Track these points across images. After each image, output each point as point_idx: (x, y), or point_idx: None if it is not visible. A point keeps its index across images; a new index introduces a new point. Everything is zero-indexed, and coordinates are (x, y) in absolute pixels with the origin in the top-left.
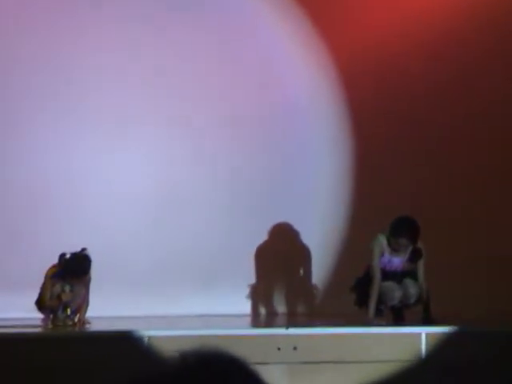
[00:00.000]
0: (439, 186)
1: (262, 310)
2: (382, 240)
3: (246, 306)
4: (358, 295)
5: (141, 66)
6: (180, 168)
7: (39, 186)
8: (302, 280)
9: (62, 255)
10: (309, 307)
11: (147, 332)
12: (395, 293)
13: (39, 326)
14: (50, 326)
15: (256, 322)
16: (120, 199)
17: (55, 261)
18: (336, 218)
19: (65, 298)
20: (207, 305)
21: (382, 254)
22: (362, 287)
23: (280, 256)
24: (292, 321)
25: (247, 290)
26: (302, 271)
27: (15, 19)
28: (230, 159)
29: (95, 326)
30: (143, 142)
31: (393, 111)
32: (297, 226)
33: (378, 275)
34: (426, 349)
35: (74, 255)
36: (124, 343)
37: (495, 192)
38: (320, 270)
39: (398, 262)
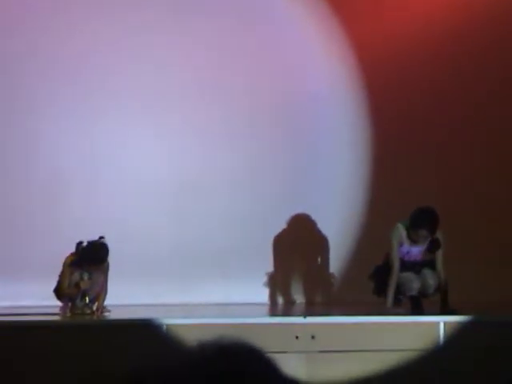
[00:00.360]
0: (459, 174)
1: (280, 299)
2: (401, 230)
3: (263, 295)
4: (377, 284)
5: (157, 53)
6: (198, 155)
7: (56, 175)
8: (319, 268)
9: (80, 243)
10: (327, 296)
11: (165, 320)
12: (413, 283)
13: (57, 314)
14: (69, 314)
15: (274, 310)
16: (139, 187)
17: (73, 249)
18: (354, 206)
19: (83, 285)
20: (225, 293)
21: (401, 244)
22: (380, 276)
23: (298, 244)
24: (310, 310)
25: (265, 279)
26: (319, 260)
27: (21, 13)
28: (248, 147)
29: (113, 315)
30: (160, 130)
31: (414, 99)
32: (315, 215)
33: (396, 265)
34: (444, 338)
35: (92, 243)
36: (142, 331)
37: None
38: (338, 258)
39: (416, 252)
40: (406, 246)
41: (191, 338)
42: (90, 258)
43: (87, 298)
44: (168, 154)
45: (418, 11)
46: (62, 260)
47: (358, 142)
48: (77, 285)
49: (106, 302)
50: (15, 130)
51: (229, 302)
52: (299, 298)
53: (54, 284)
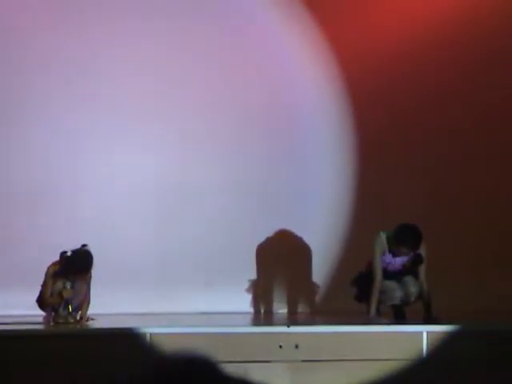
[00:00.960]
0: (441, 186)
1: (264, 308)
2: (383, 239)
3: (247, 304)
4: (359, 290)
5: (146, 63)
6: (183, 165)
7: (40, 182)
8: (303, 278)
9: (63, 252)
10: (310, 305)
11: (149, 329)
12: (396, 292)
13: (40, 324)
14: (52, 323)
15: (257, 320)
16: (122, 196)
17: (56, 257)
18: (338, 216)
19: (66, 294)
20: (209, 302)
21: (383, 253)
22: (362, 283)
23: (282, 254)
24: (293, 319)
25: (249, 288)
26: (303, 269)
27: (24, 12)
28: (234, 157)
29: (97, 323)
30: (145, 137)
31: (396, 111)
32: (299, 225)
33: (379, 274)
34: (428, 348)
35: (76, 252)
36: (126, 340)
37: (493, 190)
38: (321, 268)
39: (399, 262)
40: (388, 256)
41: (175, 347)
42: (75, 267)
43: (70, 307)
44: (154, 162)
45: (403, 18)
46: (45, 269)
47: (342, 153)
48: (60, 294)
49: (89, 311)
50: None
51: (212, 311)
52: (282, 307)
53: (36, 293)
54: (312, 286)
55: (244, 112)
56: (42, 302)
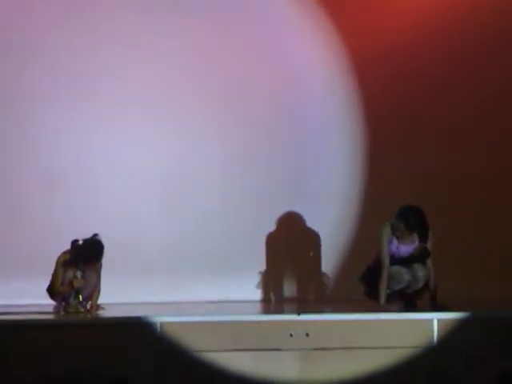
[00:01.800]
0: (448, 174)
1: (273, 297)
2: (389, 227)
3: (257, 293)
4: (368, 285)
5: (153, 52)
6: (193, 156)
7: (52, 172)
8: (312, 266)
9: (74, 241)
10: (320, 293)
11: (159, 318)
12: (404, 276)
13: (51, 313)
14: (62, 312)
15: (268, 308)
16: (133, 186)
17: (67, 246)
18: (347, 205)
19: (77, 284)
20: (219, 291)
21: (390, 241)
22: (371, 277)
23: (291, 243)
24: (303, 307)
25: (259, 277)
26: (312, 258)
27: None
28: (241, 146)
29: (107, 313)
30: (152, 130)
31: (406, 99)
32: (308, 213)
33: (386, 262)
34: (438, 335)
35: (86, 241)
36: (136, 329)
37: (498, 183)
38: (331, 256)
39: (405, 250)
40: (395, 244)
41: (185, 336)
42: (86, 256)
43: (81, 297)
44: (161, 152)
45: (409, 11)
46: (54, 256)
47: (351, 143)
48: (70, 283)
49: (99, 300)
50: (11, 128)
51: (223, 300)
52: (292, 295)
53: (47, 282)
54: (321, 275)
55: (249, 99)
56: (52, 290)
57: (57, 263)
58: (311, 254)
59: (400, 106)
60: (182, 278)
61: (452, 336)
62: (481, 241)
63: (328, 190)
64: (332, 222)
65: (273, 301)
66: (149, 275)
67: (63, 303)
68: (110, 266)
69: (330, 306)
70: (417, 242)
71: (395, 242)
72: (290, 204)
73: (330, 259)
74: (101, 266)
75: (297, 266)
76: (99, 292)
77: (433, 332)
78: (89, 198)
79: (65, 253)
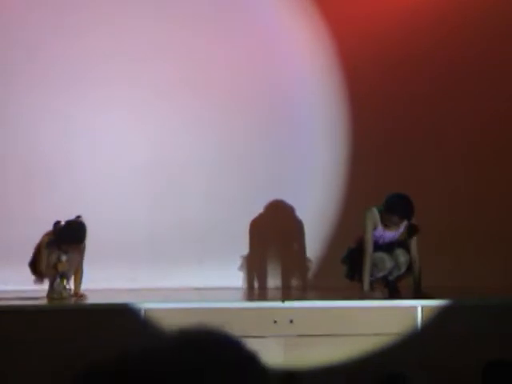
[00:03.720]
0: (431, 165)
1: (257, 284)
2: (375, 213)
3: (241, 280)
4: (350, 267)
5: (148, 45)
6: (177, 142)
7: (36, 158)
8: (296, 253)
9: (57, 223)
10: (303, 281)
11: (143, 305)
12: (386, 263)
13: (35, 299)
14: (47, 299)
15: (252, 295)
16: (115, 172)
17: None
18: (331, 192)
19: (61, 268)
20: (203, 278)
21: (375, 227)
22: (353, 259)
23: (274, 229)
24: (287, 294)
25: (242, 264)
26: (296, 245)
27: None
28: (225, 132)
29: (92, 299)
30: (139, 114)
31: (393, 90)
32: (291, 200)
33: (370, 249)
34: (422, 322)
35: (70, 223)
36: (120, 316)
37: (485, 169)
38: (314, 243)
39: (390, 235)
40: (380, 230)
41: (169, 323)
42: (69, 238)
43: (65, 281)
44: (145, 137)
45: (401, 10)
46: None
47: (336, 129)
48: (54, 266)
49: (83, 287)
50: None
51: (207, 287)
52: (276, 282)
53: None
54: (306, 261)
55: (239, 86)
56: (35, 269)
57: (40, 244)
58: (295, 241)
59: (386, 98)
60: (165, 264)
61: (436, 323)
62: (467, 230)
63: (312, 177)
64: (316, 209)
65: (257, 288)
66: (132, 262)
67: (48, 289)
68: (94, 253)
69: (315, 293)
70: (402, 228)
71: (380, 228)
72: (274, 191)
73: (314, 246)
74: (84, 247)
75: (281, 253)
76: (82, 274)
77: (417, 319)
78: (72, 185)
79: (48, 234)
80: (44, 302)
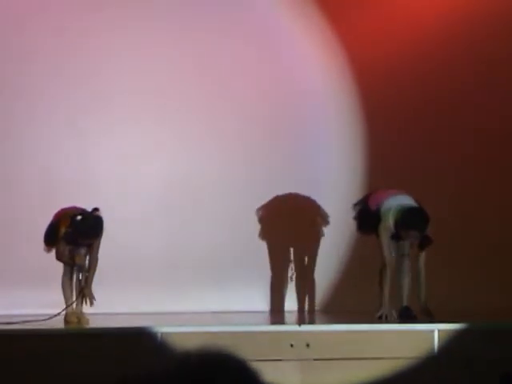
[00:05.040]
0: (448, 180)
1: (275, 307)
2: (391, 222)
3: (258, 303)
4: (360, 223)
5: (155, 61)
6: (192, 164)
7: (50, 179)
8: (312, 276)
9: (74, 216)
10: (320, 304)
11: (160, 328)
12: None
13: (47, 319)
14: (64, 322)
15: (268, 318)
16: (131, 195)
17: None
18: (347, 211)
19: (78, 260)
20: (220, 301)
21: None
22: (364, 215)
23: (292, 252)
24: (304, 318)
25: (260, 287)
26: (312, 267)
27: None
28: (239, 148)
29: (108, 323)
30: (157, 132)
31: (405, 97)
32: (310, 224)
33: (391, 263)
34: (439, 345)
35: (86, 217)
36: (137, 339)
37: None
38: (330, 265)
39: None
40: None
41: (186, 347)
42: (86, 232)
43: (84, 302)
44: (165, 160)
45: (408, 12)
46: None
47: (350, 146)
48: (72, 258)
49: (98, 310)
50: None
51: (224, 310)
52: (293, 305)
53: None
54: (322, 285)
55: (249, 101)
56: (57, 255)
57: (57, 235)
58: (311, 263)
59: (399, 105)
60: (182, 287)
61: (453, 347)
62: (477, 247)
63: (328, 198)
64: (333, 232)
65: (274, 311)
66: (149, 285)
67: (66, 311)
68: (110, 276)
69: (331, 316)
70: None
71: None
72: (293, 215)
73: (330, 269)
74: (99, 242)
75: (297, 276)
76: (95, 268)
77: (433, 343)
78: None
79: (64, 224)
80: (61, 324)
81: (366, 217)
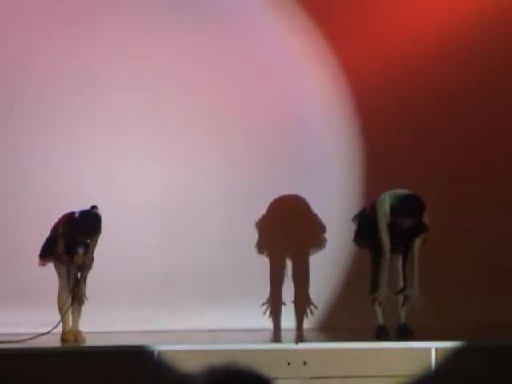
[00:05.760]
0: (445, 191)
1: (271, 325)
2: (387, 207)
3: (255, 321)
4: (358, 227)
5: (154, 75)
6: (188, 180)
7: (49, 195)
8: (310, 294)
9: (72, 214)
10: (317, 322)
11: (157, 346)
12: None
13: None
14: (60, 340)
15: (265, 336)
16: (128, 212)
17: None
18: (345, 234)
19: (78, 260)
20: (217, 319)
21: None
22: (364, 220)
23: (290, 271)
24: (301, 336)
25: (257, 305)
26: (309, 285)
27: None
28: (244, 172)
29: (106, 341)
30: (156, 154)
31: (401, 118)
32: (308, 243)
33: (387, 248)
34: (436, 363)
35: (84, 214)
36: (134, 358)
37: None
38: (328, 283)
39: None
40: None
41: (183, 365)
42: (84, 229)
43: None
44: (160, 176)
45: (405, 30)
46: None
47: (350, 172)
48: (71, 258)
49: (95, 329)
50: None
51: (220, 328)
52: (290, 323)
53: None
54: (320, 303)
55: (250, 125)
56: (54, 255)
57: (55, 231)
58: (309, 281)
59: (399, 119)
60: (180, 305)
61: (450, 364)
62: (476, 263)
63: (328, 218)
64: (331, 251)
65: (271, 329)
66: (145, 303)
67: (62, 328)
68: (107, 294)
69: (328, 334)
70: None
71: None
72: (289, 234)
73: (327, 287)
74: (99, 236)
75: (295, 295)
76: (91, 267)
77: (431, 360)
78: None
79: (61, 223)
80: (57, 343)
81: (364, 223)
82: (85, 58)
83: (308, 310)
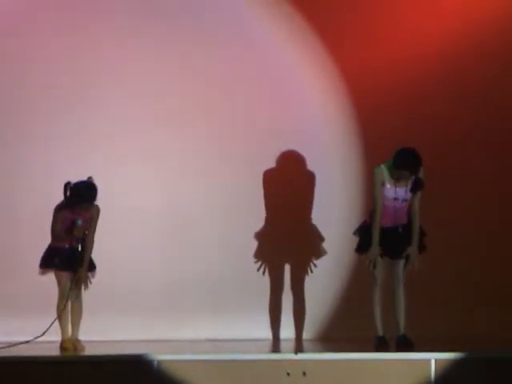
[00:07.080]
0: (445, 206)
1: (271, 335)
2: (384, 169)
3: (255, 331)
4: (361, 240)
5: (155, 82)
6: (190, 192)
7: (44, 207)
8: (309, 305)
9: (67, 184)
10: (317, 332)
11: (157, 356)
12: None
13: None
14: (60, 349)
15: (265, 346)
16: (129, 223)
17: None
18: (347, 239)
19: (77, 233)
20: (217, 329)
21: (384, 185)
22: (366, 233)
23: (290, 282)
24: (301, 346)
25: (256, 315)
26: (309, 295)
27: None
28: (244, 181)
29: (104, 350)
30: (156, 165)
31: (400, 123)
32: (309, 254)
33: (379, 205)
34: (436, 374)
35: (79, 183)
36: (133, 367)
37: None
38: (328, 294)
39: (401, 193)
40: (390, 189)
41: (183, 375)
42: (79, 197)
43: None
44: (163, 189)
45: (405, 37)
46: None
47: (352, 181)
48: (70, 231)
49: (94, 338)
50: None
51: (220, 338)
52: (290, 334)
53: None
54: (320, 313)
55: (251, 131)
56: (52, 235)
57: (54, 211)
58: (309, 291)
59: (397, 132)
60: (179, 315)
61: (450, 376)
62: (477, 277)
63: (328, 226)
64: (330, 260)
65: (270, 339)
66: (147, 313)
67: (61, 337)
68: (107, 303)
69: (328, 345)
70: (410, 184)
71: (388, 185)
72: (291, 243)
73: (327, 298)
74: (98, 213)
75: (295, 305)
76: (91, 251)
77: (430, 371)
78: None
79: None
80: (57, 352)
81: (366, 237)
82: (85, 66)
83: (308, 320)
